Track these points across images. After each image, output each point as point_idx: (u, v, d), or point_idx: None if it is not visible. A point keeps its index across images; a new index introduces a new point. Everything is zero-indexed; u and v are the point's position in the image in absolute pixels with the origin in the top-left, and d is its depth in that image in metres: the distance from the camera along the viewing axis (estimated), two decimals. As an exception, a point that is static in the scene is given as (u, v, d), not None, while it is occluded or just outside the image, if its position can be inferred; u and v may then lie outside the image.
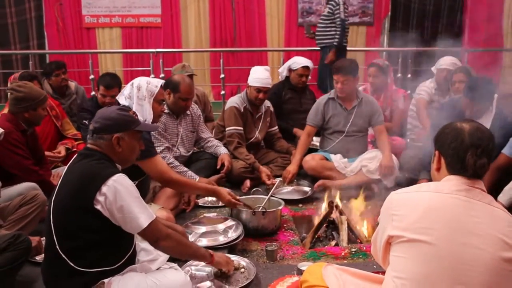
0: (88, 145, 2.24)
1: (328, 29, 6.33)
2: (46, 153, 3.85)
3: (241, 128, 4.40)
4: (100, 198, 2.04)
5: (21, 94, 3.35)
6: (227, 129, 4.42)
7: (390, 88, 5.05)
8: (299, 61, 5.15)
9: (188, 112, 4.16)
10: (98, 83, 4.64)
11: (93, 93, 6.35)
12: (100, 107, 4.51)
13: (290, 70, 5.20)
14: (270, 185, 4.00)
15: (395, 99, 4.99)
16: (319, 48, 6.61)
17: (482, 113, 3.72)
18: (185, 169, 3.86)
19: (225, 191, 3.18)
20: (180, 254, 2.42)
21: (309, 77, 5.27)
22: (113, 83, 4.58)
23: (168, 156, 3.84)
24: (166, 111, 3.97)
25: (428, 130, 4.41)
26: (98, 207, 2.04)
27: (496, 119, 3.69)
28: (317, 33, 6.55)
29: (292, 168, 4.20)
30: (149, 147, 2.95)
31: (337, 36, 6.22)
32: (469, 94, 3.65)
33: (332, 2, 6.26)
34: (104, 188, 2.04)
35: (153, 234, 2.18)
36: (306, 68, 5.10)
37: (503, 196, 3.31)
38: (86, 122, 4.44)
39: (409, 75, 7.29)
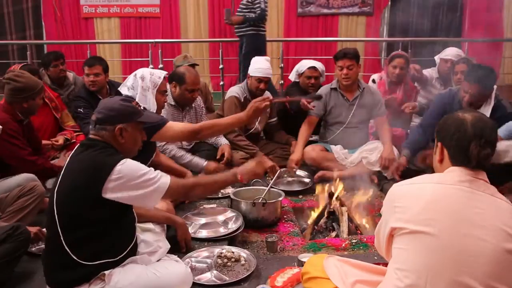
0: (91, 136, 2.23)
1: (246, 17, 6.29)
2: (44, 141, 3.83)
3: None
4: (110, 185, 2.03)
5: (19, 84, 3.32)
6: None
7: (409, 83, 4.87)
8: (304, 63, 4.94)
9: (192, 104, 4.13)
10: (82, 67, 4.58)
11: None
12: (90, 92, 4.49)
13: (298, 75, 4.97)
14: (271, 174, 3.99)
15: (410, 94, 4.88)
16: (306, 39, 6.56)
17: (480, 104, 3.70)
18: (190, 157, 3.85)
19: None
20: (213, 192, 2.54)
21: (322, 79, 4.97)
22: (94, 61, 4.54)
23: (171, 147, 3.84)
24: (172, 103, 3.96)
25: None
26: (108, 195, 2.04)
27: (495, 111, 3.68)
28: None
29: (295, 156, 4.17)
30: (157, 119, 2.80)
31: (253, 16, 6.21)
32: (470, 78, 3.62)
33: None
34: (114, 175, 2.04)
35: (178, 193, 2.30)
36: (312, 68, 4.84)
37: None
38: (81, 110, 4.41)
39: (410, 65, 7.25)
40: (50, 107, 4.27)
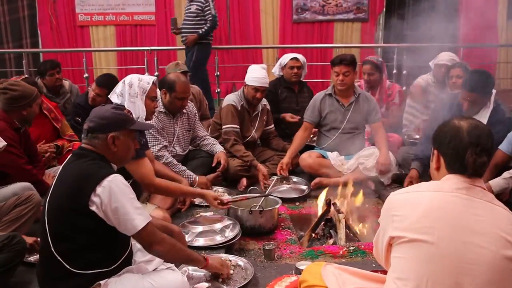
0: (83, 145, 2.21)
1: (197, 25, 6.33)
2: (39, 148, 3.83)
3: (238, 126, 4.38)
4: (95, 199, 2.01)
5: (16, 93, 3.32)
6: (223, 127, 4.39)
7: (385, 84, 5.04)
8: (287, 56, 5.15)
9: (184, 110, 4.13)
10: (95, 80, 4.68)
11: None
12: (88, 103, 4.50)
13: (282, 68, 5.16)
14: (264, 184, 3.99)
15: (389, 94, 4.98)
16: (309, 45, 6.61)
17: (479, 108, 3.72)
18: (183, 168, 3.85)
19: (211, 195, 3.06)
20: (174, 259, 2.36)
21: (305, 71, 5.19)
22: (103, 81, 4.53)
23: (166, 155, 3.83)
24: (162, 110, 3.95)
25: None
26: (93, 208, 2.02)
27: (493, 115, 3.69)
28: (184, 30, 6.52)
29: (284, 160, 4.19)
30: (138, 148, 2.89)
31: (205, 28, 6.27)
32: (468, 86, 3.64)
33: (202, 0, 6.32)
34: (99, 189, 2.01)
35: (148, 237, 2.14)
36: (295, 59, 5.05)
37: (492, 182, 3.33)
38: (79, 119, 4.41)
39: (405, 71, 7.28)
40: (50, 118, 4.24)
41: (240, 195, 3.63)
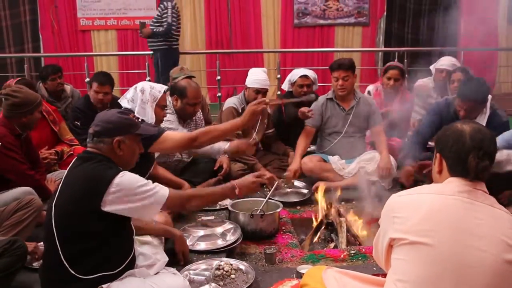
0: (88, 149, 2.23)
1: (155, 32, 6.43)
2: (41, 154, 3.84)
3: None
4: (109, 197, 2.04)
5: (17, 99, 3.33)
6: None
7: (406, 95, 4.86)
8: (296, 72, 4.91)
9: (196, 114, 4.14)
10: (91, 81, 4.74)
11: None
12: (91, 106, 4.51)
13: (291, 84, 4.94)
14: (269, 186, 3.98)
15: (406, 105, 4.87)
16: (318, 50, 6.59)
17: (476, 115, 3.72)
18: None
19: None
20: (210, 204, 2.64)
21: (316, 87, 4.97)
22: (106, 80, 4.66)
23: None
24: (173, 116, 3.95)
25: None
26: (107, 208, 2.04)
27: (491, 120, 3.69)
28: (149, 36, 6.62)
29: (293, 166, 4.16)
30: (153, 130, 2.81)
31: (160, 30, 6.37)
32: (462, 94, 3.64)
33: (162, 5, 6.46)
34: (112, 189, 2.05)
35: (175, 205, 2.31)
36: (304, 77, 4.81)
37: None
38: (78, 123, 4.42)
39: (406, 75, 7.29)
40: (48, 120, 4.25)
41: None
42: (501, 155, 3.27)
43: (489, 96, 3.73)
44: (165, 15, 6.39)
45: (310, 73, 4.88)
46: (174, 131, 3.11)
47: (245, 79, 4.50)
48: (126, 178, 2.10)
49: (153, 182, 3.30)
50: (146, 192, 2.13)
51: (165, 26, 6.37)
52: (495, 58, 9.49)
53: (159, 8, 6.54)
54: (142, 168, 2.93)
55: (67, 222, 2.08)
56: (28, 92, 3.45)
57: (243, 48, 9.33)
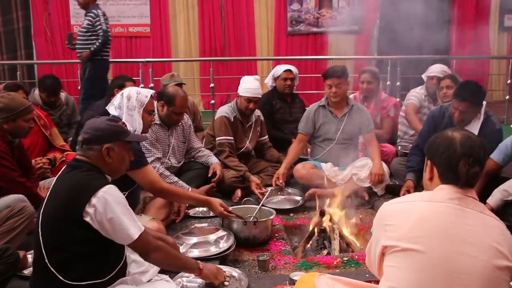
0: (77, 156, 2.22)
1: (89, 41, 6.02)
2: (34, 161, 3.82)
3: (232, 138, 4.38)
4: (89, 210, 2.02)
5: (0, 104, 3.30)
6: (217, 139, 4.39)
7: (380, 96, 5.08)
8: (280, 67, 5.21)
9: (179, 122, 4.14)
10: (120, 82, 4.67)
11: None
12: None
13: (275, 79, 5.22)
14: (259, 195, 3.99)
15: (385, 106, 5.01)
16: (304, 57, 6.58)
17: (470, 119, 3.74)
18: (176, 179, 3.85)
19: (217, 202, 3.16)
20: (170, 266, 2.39)
21: (296, 82, 5.25)
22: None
23: (158, 166, 3.82)
24: (158, 122, 3.96)
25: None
26: (88, 219, 2.02)
27: (484, 126, 3.72)
28: (77, 46, 6.21)
29: (280, 170, 4.19)
30: (139, 157, 2.93)
31: (97, 44, 5.96)
32: (458, 94, 3.66)
33: (91, 14, 5.99)
34: (93, 200, 2.02)
35: (143, 246, 2.16)
36: (288, 71, 5.12)
37: (491, 199, 3.35)
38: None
39: (398, 83, 7.34)
40: (39, 125, 4.23)
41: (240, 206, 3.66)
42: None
43: (484, 102, 3.76)
44: (97, 23, 5.95)
45: (293, 68, 5.19)
46: (153, 170, 3.12)
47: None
48: (109, 194, 2.06)
49: (146, 190, 3.33)
50: (121, 224, 2.07)
51: (101, 34, 5.92)
52: (486, 66, 9.58)
53: (88, 17, 6.00)
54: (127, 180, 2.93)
55: (52, 230, 2.07)
56: (14, 99, 3.39)
57: (236, 56, 9.34)
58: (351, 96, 4.94)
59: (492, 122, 3.79)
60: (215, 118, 4.49)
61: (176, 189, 3.19)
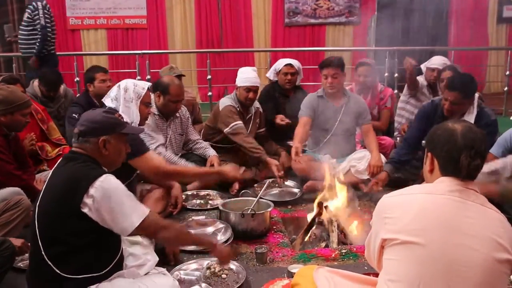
0: (74, 148, 2.21)
1: (30, 36, 5.79)
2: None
3: (242, 123, 4.35)
4: (87, 200, 2.00)
5: None
6: (231, 125, 4.28)
7: (377, 87, 5.05)
8: (281, 61, 5.05)
9: (177, 114, 4.13)
10: (91, 76, 4.58)
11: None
12: (91, 100, 4.48)
13: (276, 73, 5.04)
14: (279, 178, 4.00)
15: (382, 97, 4.99)
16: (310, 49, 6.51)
17: (462, 113, 3.71)
18: (185, 163, 3.88)
19: (227, 168, 3.21)
20: (183, 242, 2.46)
21: (300, 76, 5.04)
22: (104, 68, 4.67)
23: (163, 152, 3.83)
24: (156, 113, 3.94)
25: None
26: (85, 210, 2.01)
27: (478, 119, 3.68)
28: (19, 41, 6.00)
29: (295, 144, 4.07)
30: (139, 145, 2.93)
31: (37, 44, 5.72)
32: (448, 84, 3.63)
33: (31, 7, 5.74)
34: (91, 190, 2.01)
35: (150, 228, 2.17)
36: (289, 65, 4.92)
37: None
38: (76, 116, 4.37)
39: (396, 75, 7.31)
40: (36, 119, 4.22)
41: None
42: (495, 164, 3.28)
43: (476, 95, 3.72)
44: (36, 16, 5.69)
45: (295, 62, 4.97)
46: (156, 155, 3.13)
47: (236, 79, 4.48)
48: (108, 183, 2.05)
49: (143, 182, 3.34)
50: (122, 211, 2.06)
51: (38, 30, 5.66)
52: (485, 58, 9.57)
53: (28, 10, 5.75)
54: (130, 167, 2.93)
55: (49, 223, 2.06)
56: (13, 92, 3.37)
57: (233, 47, 9.32)
58: (348, 87, 4.91)
59: (487, 114, 3.75)
60: (221, 109, 4.42)
61: (182, 168, 3.25)
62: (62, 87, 5.29)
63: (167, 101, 3.92)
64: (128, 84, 3.18)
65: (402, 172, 4.10)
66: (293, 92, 5.04)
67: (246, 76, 4.38)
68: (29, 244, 2.57)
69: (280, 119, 4.68)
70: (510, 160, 3.23)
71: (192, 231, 2.94)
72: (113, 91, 3.18)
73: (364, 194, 4.09)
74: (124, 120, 2.53)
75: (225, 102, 4.45)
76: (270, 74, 5.18)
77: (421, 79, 5.14)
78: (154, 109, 3.92)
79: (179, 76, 4.76)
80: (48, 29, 5.79)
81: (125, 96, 3.13)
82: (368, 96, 4.94)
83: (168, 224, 2.27)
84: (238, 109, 4.41)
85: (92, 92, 4.57)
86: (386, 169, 3.94)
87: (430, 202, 1.66)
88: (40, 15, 5.69)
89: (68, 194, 2.02)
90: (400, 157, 3.94)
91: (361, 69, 4.91)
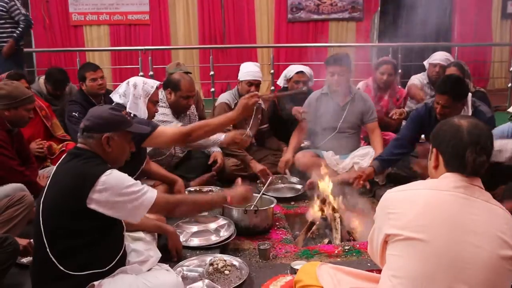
0: (78, 144, 2.21)
1: (3, 29, 5.65)
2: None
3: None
4: (94, 196, 2.01)
5: (3, 91, 3.26)
6: None
7: (395, 87, 4.93)
8: (292, 68, 4.85)
9: (189, 107, 4.12)
10: (82, 74, 4.57)
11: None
12: (87, 98, 4.47)
13: (287, 80, 4.87)
14: (265, 180, 3.97)
15: (398, 98, 4.89)
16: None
17: (454, 115, 3.64)
18: None
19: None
20: (200, 211, 2.58)
21: (311, 83, 4.88)
22: (95, 66, 4.64)
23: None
24: (167, 112, 3.93)
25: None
26: (92, 206, 2.01)
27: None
28: None
29: (285, 157, 4.20)
30: (146, 124, 2.84)
31: (19, 29, 5.65)
32: (438, 87, 3.58)
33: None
34: (98, 186, 2.01)
35: (162, 210, 2.27)
36: (300, 73, 4.75)
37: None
38: (76, 114, 4.37)
39: (400, 71, 7.28)
40: (40, 115, 4.22)
41: None
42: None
43: (469, 95, 3.66)
44: (13, 8, 5.59)
45: (307, 70, 4.82)
46: (167, 126, 3.11)
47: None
48: (113, 177, 2.07)
49: (146, 178, 3.34)
50: (133, 193, 2.09)
51: (22, 19, 5.58)
52: (488, 54, 9.52)
53: (2, 3, 5.60)
54: (134, 163, 2.92)
55: (53, 219, 2.06)
56: (17, 87, 3.37)
57: (236, 43, 9.30)
58: (361, 83, 4.88)
59: (482, 113, 3.68)
60: (216, 105, 4.46)
61: (202, 122, 3.19)
62: (68, 84, 5.30)
63: (179, 97, 3.92)
64: (138, 81, 3.19)
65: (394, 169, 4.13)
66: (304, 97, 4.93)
67: (248, 70, 4.39)
68: (30, 241, 2.60)
69: (297, 111, 4.45)
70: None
71: (183, 241, 2.93)
72: (121, 87, 3.19)
73: (367, 191, 4.07)
74: (133, 116, 2.53)
75: (222, 98, 4.47)
76: (281, 81, 5.00)
77: (422, 77, 5.11)
78: (165, 107, 3.95)
79: (186, 73, 4.75)
80: (30, 18, 5.79)
81: (134, 93, 3.13)
82: (386, 95, 4.83)
83: (179, 199, 2.36)
84: (236, 104, 4.38)
85: (85, 90, 4.57)
86: (373, 165, 3.87)
87: (435, 198, 1.64)
88: (18, 6, 5.68)
89: (73, 192, 2.02)
90: (388, 155, 3.89)
91: (385, 67, 4.74)
